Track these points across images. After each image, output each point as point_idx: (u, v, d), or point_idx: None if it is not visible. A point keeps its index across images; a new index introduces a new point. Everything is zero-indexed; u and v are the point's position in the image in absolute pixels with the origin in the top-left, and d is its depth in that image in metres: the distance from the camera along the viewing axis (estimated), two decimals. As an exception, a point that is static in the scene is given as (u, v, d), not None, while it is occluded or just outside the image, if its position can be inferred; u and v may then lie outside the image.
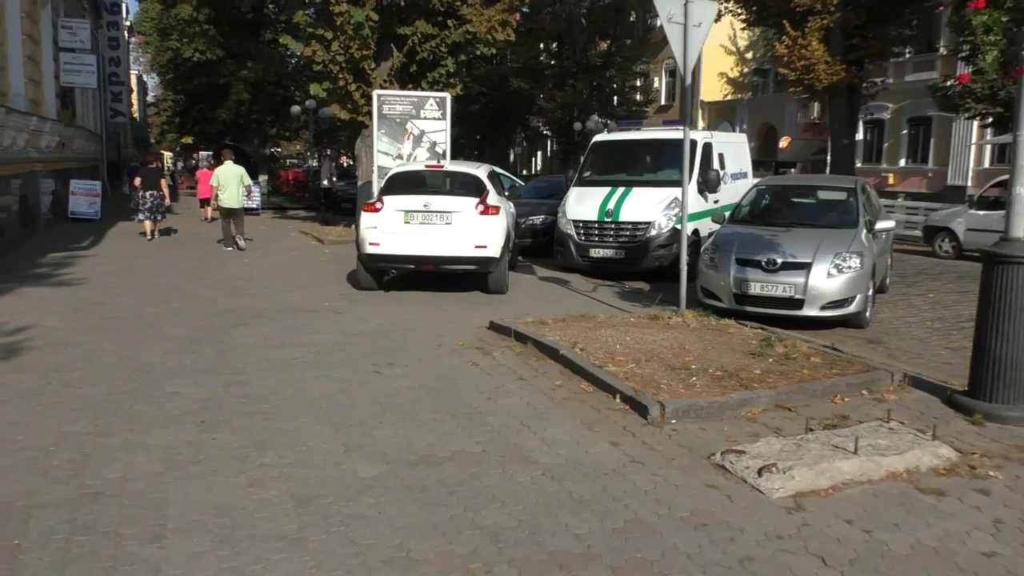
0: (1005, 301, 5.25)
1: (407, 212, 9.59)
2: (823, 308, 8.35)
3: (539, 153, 53.28)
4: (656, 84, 42.88)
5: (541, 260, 13.44)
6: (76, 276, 11.01)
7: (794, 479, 4.28)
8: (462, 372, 6.30)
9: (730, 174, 13.45)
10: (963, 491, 4.21)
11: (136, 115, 57.99)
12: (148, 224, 15.97)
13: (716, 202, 12.55)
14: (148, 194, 15.98)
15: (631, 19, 38.09)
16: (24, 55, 15.87)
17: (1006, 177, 6.08)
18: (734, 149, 14.35)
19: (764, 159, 31.06)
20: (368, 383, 5.95)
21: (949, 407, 5.63)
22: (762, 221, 9.60)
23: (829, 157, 26.07)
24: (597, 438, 4.91)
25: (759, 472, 4.34)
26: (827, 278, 8.30)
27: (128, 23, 41.19)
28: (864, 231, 9.05)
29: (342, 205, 23.72)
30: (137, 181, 16.55)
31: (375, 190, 14.03)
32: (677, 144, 13.08)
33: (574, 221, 12.09)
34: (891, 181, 29.68)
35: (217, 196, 14.89)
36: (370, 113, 15.59)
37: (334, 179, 24.72)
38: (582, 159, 13.69)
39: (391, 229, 9.57)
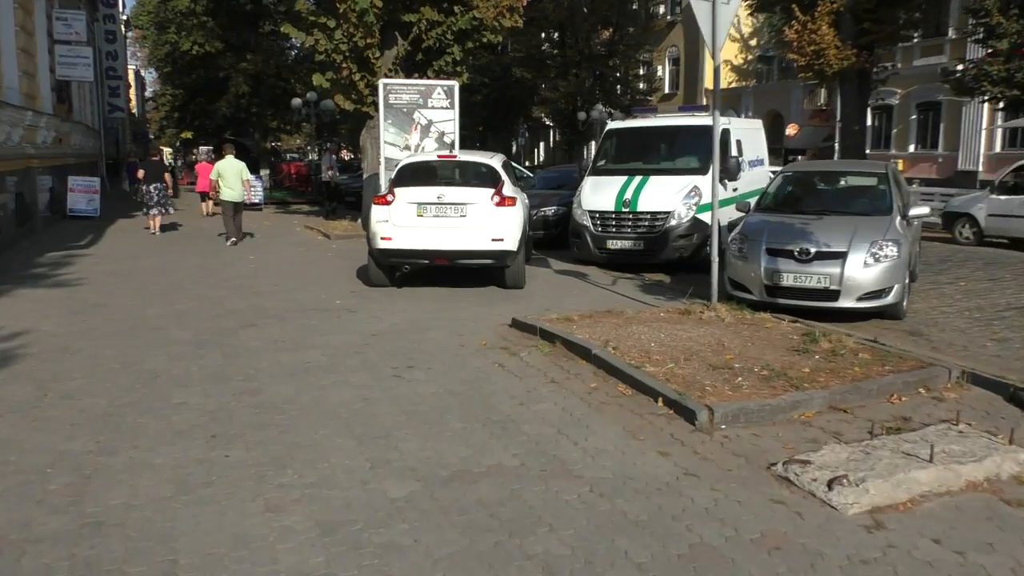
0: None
1: (420, 204, 9.16)
2: (860, 299, 7.95)
3: (541, 144, 52.78)
4: (660, 72, 42.38)
5: (555, 252, 13.01)
6: (75, 276, 10.60)
7: (869, 492, 3.88)
8: (489, 375, 5.88)
9: (747, 161, 13.00)
10: (1057, 504, 3.81)
11: (135, 111, 57.53)
12: (157, 219, 15.99)
13: (735, 190, 12.12)
14: (152, 187, 15.95)
15: (634, 7, 37.52)
16: (17, 47, 15.41)
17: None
18: (751, 136, 13.91)
19: (772, 146, 30.54)
20: (390, 389, 5.54)
21: (1014, 405, 5.24)
22: (791, 209, 9.17)
23: (838, 144, 25.65)
24: (643, 447, 4.51)
25: (829, 485, 3.94)
26: (864, 268, 7.89)
27: (125, 17, 40.65)
28: (898, 218, 8.64)
29: (346, 199, 23.26)
30: (141, 175, 16.56)
31: (383, 182, 13.63)
32: (694, 131, 12.75)
33: (590, 212, 11.67)
34: (900, 167, 29.23)
35: (217, 190, 14.90)
36: (375, 103, 15.15)
37: (334, 172, 24.25)
38: (595, 148, 13.26)
39: (403, 222, 9.14)
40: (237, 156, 15.55)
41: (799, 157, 32.06)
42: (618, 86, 37.28)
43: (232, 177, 14.72)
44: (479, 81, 31.94)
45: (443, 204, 9.14)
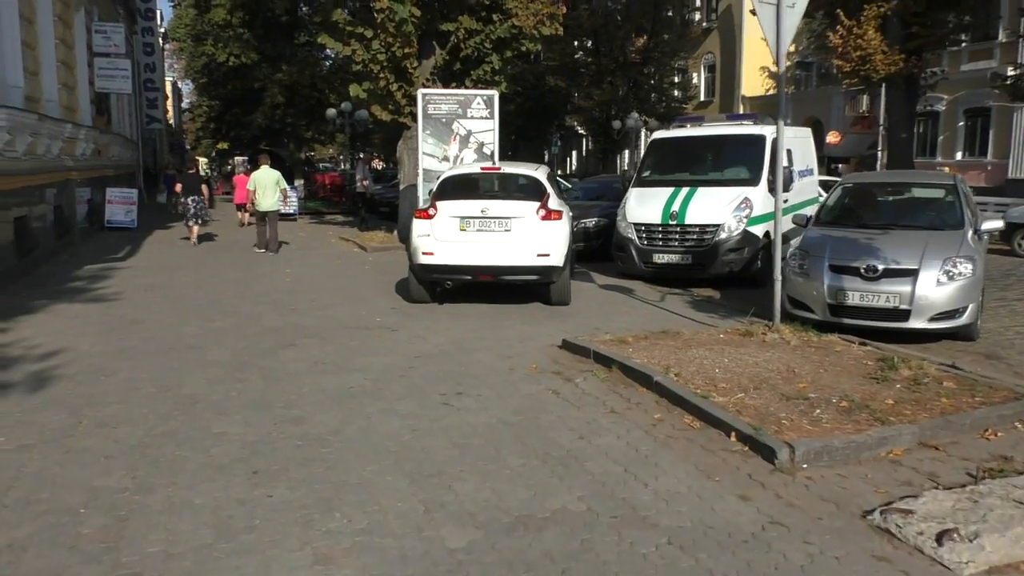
0: None
1: (463, 218, 8.84)
2: (932, 320, 7.47)
3: (574, 153, 52.41)
4: (695, 80, 41.82)
5: (595, 265, 12.64)
6: (112, 291, 10.44)
7: (984, 549, 3.46)
8: (543, 403, 5.52)
9: (797, 171, 12.51)
10: None
11: (171, 122, 58.28)
12: (195, 229, 16.25)
13: (785, 201, 11.64)
14: (190, 199, 16.23)
15: (669, 13, 37.04)
16: (57, 60, 15.43)
17: None
18: (801, 144, 13.43)
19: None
20: (439, 419, 5.20)
21: (1124, 443, 4.76)
22: (852, 222, 8.70)
23: (885, 151, 24.95)
24: (721, 490, 4.11)
25: (938, 539, 3.52)
26: (937, 286, 7.41)
27: (163, 30, 41.14)
28: (970, 232, 8.14)
29: (380, 209, 23.08)
30: (178, 187, 16.87)
31: (420, 194, 13.36)
32: (742, 140, 12.30)
33: (635, 224, 11.27)
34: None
35: (254, 200, 15.19)
36: (412, 114, 14.92)
37: (369, 182, 24.09)
38: (640, 158, 12.86)
39: (446, 237, 8.82)
40: (272, 166, 15.73)
41: (840, 166, 31.37)
42: (653, 94, 36.80)
43: (268, 187, 14.91)
44: (512, 90, 31.66)
45: (487, 218, 8.80)
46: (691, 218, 10.89)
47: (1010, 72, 22.50)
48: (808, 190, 13.31)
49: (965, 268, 7.52)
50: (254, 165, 18.18)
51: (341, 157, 60.71)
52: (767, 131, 11.93)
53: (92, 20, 20.54)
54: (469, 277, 8.97)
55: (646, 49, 35.63)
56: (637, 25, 35.35)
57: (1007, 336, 8.11)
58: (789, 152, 12.40)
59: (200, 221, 16.42)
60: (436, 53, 15.47)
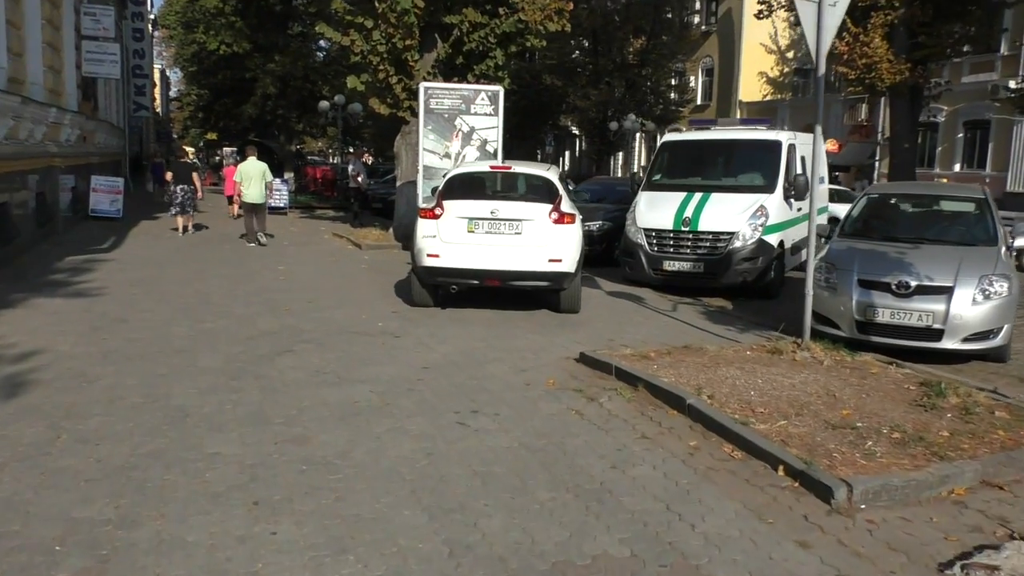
0: None
1: (471, 220, 8.37)
2: (966, 340, 7.11)
3: (567, 153, 52.01)
4: (692, 83, 41.54)
5: (601, 271, 12.22)
6: (95, 284, 9.89)
7: (1087, 617, 3.06)
8: (567, 425, 5.07)
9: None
10: None
11: (159, 110, 57.35)
12: (180, 219, 15.96)
13: (799, 209, 11.29)
14: (179, 188, 15.89)
15: (668, 15, 36.71)
16: (43, 41, 14.79)
17: None
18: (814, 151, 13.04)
19: (812, 162, 29.72)
20: (456, 441, 4.74)
21: None
22: (879, 235, 8.31)
23: (884, 160, 24.71)
24: (776, 534, 3.69)
25: (1033, 604, 3.11)
26: (972, 305, 7.05)
27: (152, 16, 40.30)
28: (1003, 249, 7.79)
29: (373, 206, 22.53)
30: (169, 176, 16.50)
31: (420, 191, 12.88)
32: (757, 145, 11.89)
33: (646, 230, 10.84)
34: (945, 186, 28.24)
35: (240, 192, 15.07)
36: (412, 108, 14.44)
37: (364, 177, 23.50)
38: (650, 161, 12.45)
39: (453, 239, 8.36)
40: (260, 158, 15.60)
41: (839, 175, 31.15)
42: (650, 96, 36.46)
43: (255, 178, 14.73)
44: (509, 87, 31.23)
45: (497, 220, 8.34)
46: (705, 225, 10.48)
47: (1011, 84, 22.34)
48: (820, 198, 12.95)
49: (1001, 287, 7.17)
50: (242, 157, 17.77)
51: (331, 150, 59.98)
52: (783, 136, 11.58)
53: (81, 1, 19.88)
54: (476, 282, 8.49)
55: (644, 51, 35.30)
56: (636, 26, 35.02)
57: (1038, 358, 7.76)
58: (804, 159, 12.06)
59: (188, 211, 16.11)
60: (438, 46, 14.98)
